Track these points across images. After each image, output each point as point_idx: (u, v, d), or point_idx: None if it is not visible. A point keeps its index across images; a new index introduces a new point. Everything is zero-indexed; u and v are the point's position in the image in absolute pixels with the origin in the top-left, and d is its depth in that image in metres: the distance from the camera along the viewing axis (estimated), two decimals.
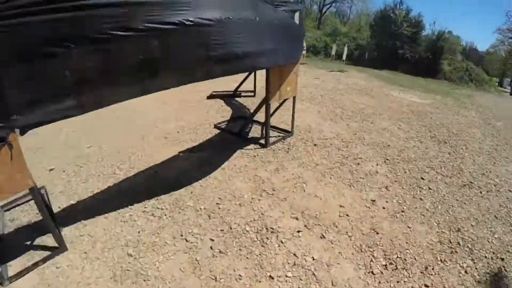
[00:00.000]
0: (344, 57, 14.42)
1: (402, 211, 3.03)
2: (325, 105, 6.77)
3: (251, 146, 4.30)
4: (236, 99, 6.94)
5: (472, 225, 2.89)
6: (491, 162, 4.44)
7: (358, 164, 4.00)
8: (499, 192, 3.56)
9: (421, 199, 3.28)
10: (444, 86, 14.66)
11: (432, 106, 7.86)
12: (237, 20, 2.41)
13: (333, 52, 17.22)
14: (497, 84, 21.63)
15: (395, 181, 3.62)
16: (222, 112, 5.90)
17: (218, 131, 4.88)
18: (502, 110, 8.55)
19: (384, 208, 3.06)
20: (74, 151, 3.98)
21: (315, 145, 4.48)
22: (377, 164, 4.03)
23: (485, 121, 6.82)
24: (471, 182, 3.74)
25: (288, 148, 4.30)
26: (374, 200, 3.18)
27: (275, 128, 4.89)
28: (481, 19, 63.23)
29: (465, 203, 3.26)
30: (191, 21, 2.05)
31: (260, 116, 4.56)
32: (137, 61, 1.96)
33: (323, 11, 37.37)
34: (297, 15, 3.72)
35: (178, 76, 2.32)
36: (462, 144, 5.06)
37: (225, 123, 5.26)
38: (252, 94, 7.16)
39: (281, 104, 4.66)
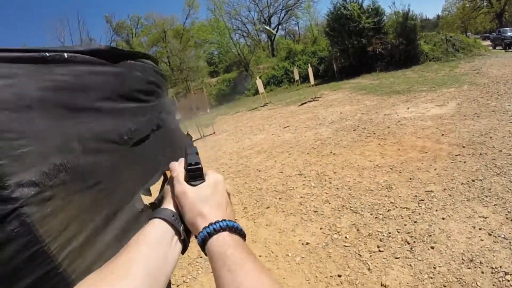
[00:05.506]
0: (311, 81, 11.39)
1: None
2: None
3: None
4: None
5: None
6: None
7: None
8: None
9: None
10: (439, 70, 11.63)
11: (466, 114, 4.74)
12: None
13: (297, 77, 14.33)
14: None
15: None
16: None
17: None
18: None
19: None
20: None
21: None
22: None
23: None
24: None
25: None
26: None
27: None
28: None
29: None
30: None
31: None
32: None
33: (272, 37, 35.88)
34: None
35: None
36: None
37: None
38: None
39: None
